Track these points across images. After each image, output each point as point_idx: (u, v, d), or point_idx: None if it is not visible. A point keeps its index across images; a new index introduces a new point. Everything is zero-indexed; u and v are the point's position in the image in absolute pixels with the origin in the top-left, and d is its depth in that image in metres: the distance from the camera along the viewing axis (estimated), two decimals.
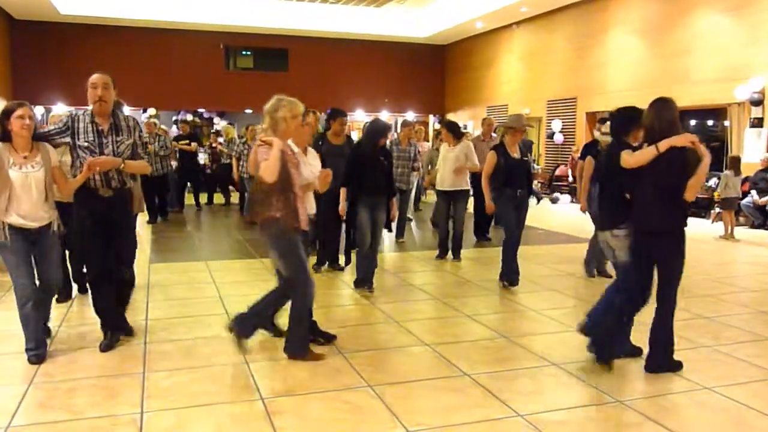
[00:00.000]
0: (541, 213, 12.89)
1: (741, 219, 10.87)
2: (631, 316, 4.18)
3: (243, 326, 4.32)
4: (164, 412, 3.43)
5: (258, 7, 17.79)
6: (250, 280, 6.66)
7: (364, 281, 6.14)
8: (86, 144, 4.22)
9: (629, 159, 3.97)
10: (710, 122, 14.27)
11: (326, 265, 7.14)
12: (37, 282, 4.23)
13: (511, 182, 6.34)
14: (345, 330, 4.99)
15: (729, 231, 9.66)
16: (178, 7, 17.46)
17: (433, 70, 21.49)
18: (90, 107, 4.28)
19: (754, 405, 3.59)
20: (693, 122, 14.79)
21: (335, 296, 6.19)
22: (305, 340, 4.30)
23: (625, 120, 4.32)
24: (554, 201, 14.96)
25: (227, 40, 19.48)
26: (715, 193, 10.65)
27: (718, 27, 11.83)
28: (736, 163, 9.91)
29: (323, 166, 6.76)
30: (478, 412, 3.49)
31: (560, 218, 12.20)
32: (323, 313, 5.41)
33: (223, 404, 3.55)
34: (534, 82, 17.18)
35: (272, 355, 4.35)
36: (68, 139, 4.24)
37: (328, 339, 4.62)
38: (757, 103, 11.02)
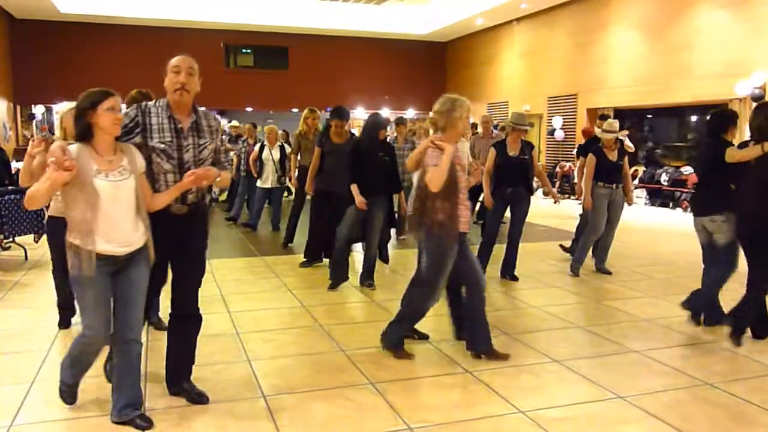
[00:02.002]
0: (542, 210, 12.88)
1: None
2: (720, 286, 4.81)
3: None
4: (166, 410, 3.44)
5: (258, 5, 17.77)
6: (252, 278, 6.67)
7: (338, 282, 6.14)
8: (163, 146, 3.27)
9: (735, 154, 4.54)
10: None
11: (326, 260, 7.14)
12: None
13: (503, 180, 6.38)
14: (346, 327, 5.00)
15: None
16: (178, 5, 17.45)
17: (434, 67, 21.47)
18: (163, 99, 3.45)
19: (756, 400, 3.59)
20: (694, 118, 14.77)
21: (337, 294, 6.19)
22: (402, 338, 4.31)
23: (723, 120, 4.84)
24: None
25: (227, 38, 19.47)
26: None
27: (719, 22, 11.81)
28: None
29: (324, 164, 6.82)
30: (479, 408, 3.49)
31: (561, 215, 12.19)
32: (325, 311, 5.42)
33: (225, 402, 3.56)
34: (534, 79, 17.16)
35: (274, 353, 4.36)
36: (138, 139, 3.25)
37: (423, 337, 4.63)
38: (759, 98, 10.99)
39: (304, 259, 7.18)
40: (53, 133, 19.59)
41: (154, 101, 3.45)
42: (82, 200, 2.92)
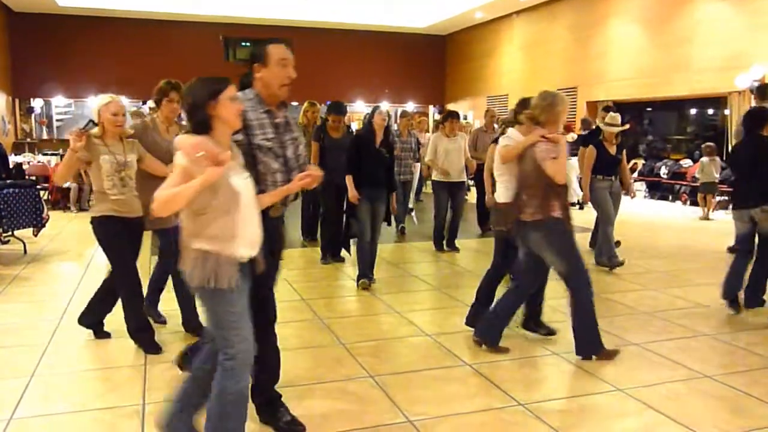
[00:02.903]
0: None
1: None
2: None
3: (488, 334, 4.27)
4: (166, 404, 3.44)
5: None
6: None
7: (365, 274, 6.13)
8: (269, 143, 2.98)
9: None
10: (711, 111, 14.24)
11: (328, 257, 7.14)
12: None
13: None
14: (346, 321, 5.01)
15: (705, 213, 10.85)
16: None
17: (434, 61, 21.40)
18: (249, 91, 3.08)
19: (754, 393, 3.60)
20: (693, 111, 14.76)
21: (337, 287, 6.20)
22: (595, 335, 4.17)
23: (757, 118, 5.18)
24: None
25: (226, 31, 19.38)
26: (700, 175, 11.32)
27: (719, 15, 11.77)
28: (711, 151, 10.79)
29: (323, 159, 6.81)
30: (479, 401, 3.50)
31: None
32: (325, 304, 5.42)
33: None
34: (534, 72, 17.12)
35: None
36: (240, 137, 2.93)
37: (550, 333, 4.61)
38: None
39: (322, 258, 7.11)
40: (49, 127, 19.57)
41: (245, 95, 3.09)
42: (218, 201, 2.53)
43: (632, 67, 13.73)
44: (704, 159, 10.89)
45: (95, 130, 4.12)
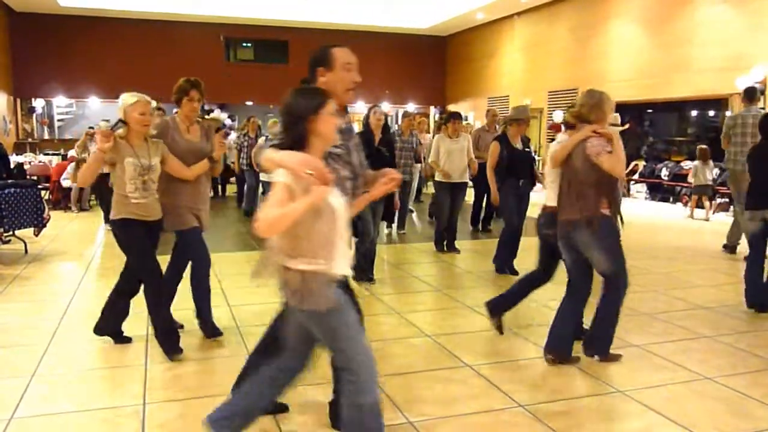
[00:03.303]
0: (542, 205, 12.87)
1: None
2: None
3: (559, 348, 4.13)
4: (166, 404, 3.44)
5: None
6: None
7: (364, 272, 6.15)
8: (339, 150, 2.80)
9: None
10: (711, 112, 14.23)
11: None
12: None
13: (513, 173, 6.36)
14: None
15: (691, 213, 11.26)
16: None
17: (434, 62, 21.42)
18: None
19: (755, 395, 3.60)
20: (694, 112, 14.75)
21: None
22: (610, 337, 4.13)
23: None
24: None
25: (227, 32, 19.42)
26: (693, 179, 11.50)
27: (720, 17, 11.77)
28: (704, 154, 10.87)
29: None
30: (479, 402, 3.50)
31: None
32: None
33: (224, 396, 3.55)
34: (535, 73, 17.12)
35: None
36: None
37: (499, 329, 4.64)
38: (760, 93, 10.96)
39: None
40: (48, 125, 19.55)
41: None
42: (317, 220, 2.42)
43: (633, 68, 13.74)
44: (697, 163, 11.05)
45: (121, 131, 4.04)
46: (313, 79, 2.90)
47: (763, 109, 7.95)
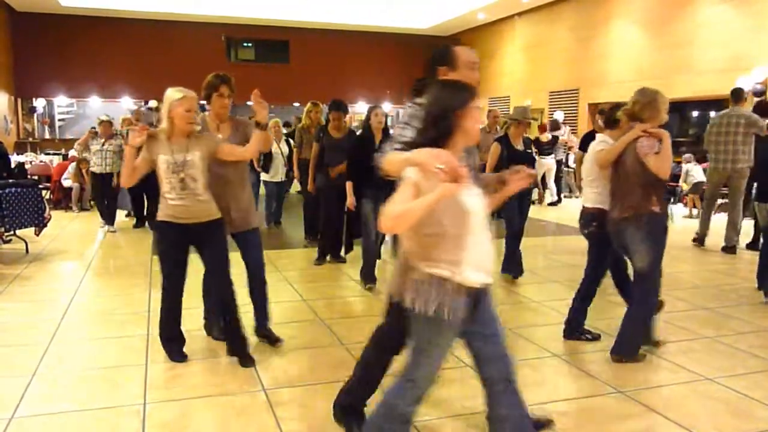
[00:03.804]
0: (543, 205, 12.88)
1: None
2: None
3: (625, 349, 4.14)
4: (167, 404, 3.44)
5: None
6: None
7: (370, 274, 6.13)
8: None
9: None
10: (712, 113, 14.21)
11: (328, 257, 7.14)
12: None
13: None
14: (347, 321, 5.01)
15: (689, 213, 11.54)
16: None
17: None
18: None
19: (755, 395, 3.60)
20: (695, 113, 14.74)
21: (338, 288, 6.20)
22: (639, 339, 4.14)
23: None
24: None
25: (228, 32, 19.43)
26: (684, 184, 12.06)
27: (721, 17, 11.77)
28: (694, 158, 11.54)
29: (323, 159, 6.82)
30: (480, 402, 3.48)
31: (561, 209, 12.19)
32: (325, 305, 5.42)
33: (225, 396, 3.56)
34: (536, 74, 17.12)
35: (274, 347, 4.36)
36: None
37: (595, 338, 4.58)
38: (760, 93, 10.97)
39: (317, 259, 7.07)
40: (52, 127, 19.57)
41: (422, 99, 2.77)
42: (448, 221, 2.32)
43: (634, 69, 13.73)
44: (689, 165, 11.51)
45: (162, 126, 3.78)
46: (434, 78, 2.82)
47: (747, 110, 8.18)
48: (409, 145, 2.41)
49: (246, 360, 4.00)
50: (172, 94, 3.76)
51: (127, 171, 3.78)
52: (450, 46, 2.88)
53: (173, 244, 3.87)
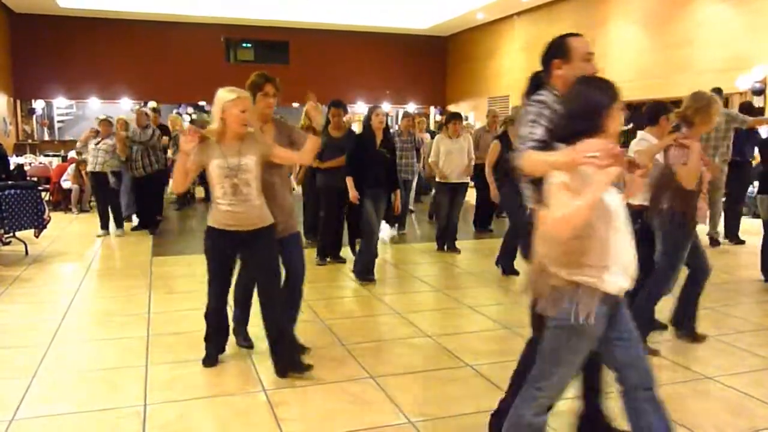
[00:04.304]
0: None
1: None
2: None
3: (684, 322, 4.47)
4: (167, 404, 3.44)
5: None
6: None
7: (366, 272, 6.15)
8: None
9: None
10: None
11: (328, 257, 7.14)
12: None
13: (515, 172, 6.35)
14: (347, 321, 5.01)
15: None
16: None
17: (435, 62, 21.41)
18: (549, 93, 2.68)
19: (756, 394, 3.60)
20: None
21: (337, 288, 6.20)
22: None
23: None
24: None
25: (227, 33, 19.42)
26: None
27: (720, 17, 11.77)
28: None
29: (322, 158, 6.81)
30: (480, 402, 3.49)
31: None
32: (325, 305, 5.42)
33: (225, 396, 3.56)
34: None
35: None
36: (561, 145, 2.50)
37: (663, 327, 4.66)
38: (759, 92, 10.97)
39: (319, 259, 7.06)
40: (52, 128, 19.55)
41: (539, 94, 2.70)
42: (594, 220, 2.18)
43: (633, 69, 13.73)
44: None
45: (213, 127, 3.62)
46: (548, 71, 2.74)
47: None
48: (544, 144, 2.35)
49: (303, 368, 3.84)
50: (225, 94, 3.60)
51: (180, 176, 3.63)
52: (565, 37, 2.73)
53: (222, 250, 3.72)
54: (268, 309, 3.78)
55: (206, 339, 4.04)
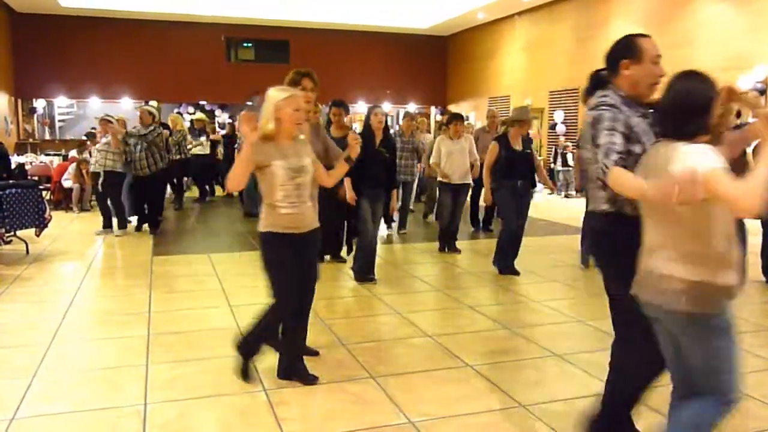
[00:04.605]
0: (543, 204, 12.87)
1: None
2: None
3: None
4: (168, 404, 3.45)
5: None
6: (253, 273, 6.65)
7: (365, 271, 6.16)
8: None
9: None
10: None
11: (327, 257, 7.14)
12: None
13: (510, 174, 6.37)
14: (347, 321, 5.01)
15: None
16: None
17: (435, 61, 21.41)
18: (615, 94, 2.65)
19: (756, 394, 3.60)
20: None
21: (338, 288, 6.20)
22: None
23: None
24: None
25: (228, 32, 19.43)
26: None
27: (721, 17, 11.77)
28: None
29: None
30: (480, 402, 3.50)
31: (561, 209, 12.20)
32: (325, 305, 5.42)
33: (226, 396, 3.56)
34: (536, 73, 17.11)
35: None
36: (638, 149, 2.52)
37: None
38: (761, 92, 10.97)
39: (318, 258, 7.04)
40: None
41: (609, 95, 2.65)
42: (716, 210, 2.16)
43: None
44: None
45: (269, 127, 3.45)
46: (615, 71, 2.70)
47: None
48: (627, 154, 2.36)
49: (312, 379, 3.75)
50: (278, 93, 3.48)
51: (244, 170, 3.41)
52: (635, 36, 2.69)
53: (288, 255, 3.53)
54: (306, 314, 3.83)
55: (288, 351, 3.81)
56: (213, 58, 19.04)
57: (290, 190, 3.44)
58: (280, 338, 3.77)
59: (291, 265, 3.51)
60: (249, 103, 4.05)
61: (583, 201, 7.06)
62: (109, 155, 8.72)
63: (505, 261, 6.55)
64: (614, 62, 2.70)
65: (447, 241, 7.80)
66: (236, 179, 3.41)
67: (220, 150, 13.87)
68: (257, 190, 3.58)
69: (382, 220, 7.02)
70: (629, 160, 2.44)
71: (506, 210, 6.55)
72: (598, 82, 2.76)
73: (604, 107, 2.57)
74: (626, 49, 2.67)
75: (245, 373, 3.64)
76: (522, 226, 6.57)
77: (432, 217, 10.32)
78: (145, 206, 9.30)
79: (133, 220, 9.37)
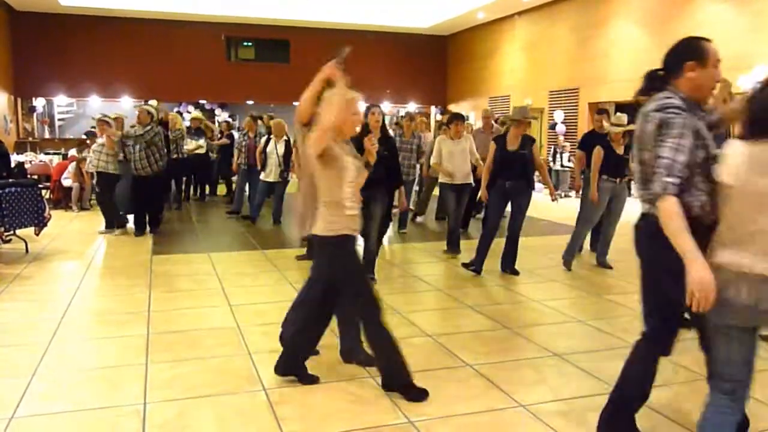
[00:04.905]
0: (543, 204, 12.86)
1: None
2: None
3: None
4: (167, 403, 3.44)
5: None
6: (253, 272, 6.66)
7: (370, 270, 6.14)
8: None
9: None
10: None
11: None
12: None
13: (502, 174, 6.38)
14: None
15: None
16: None
17: (435, 61, 21.41)
18: (677, 96, 2.60)
19: (756, 395, 3.59)
20: None
21: None
22: None
23: None
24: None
25: (228, 31, 19.42)
26: None
27: (721, 16, 11.77)
28: None
29: None
30: (480, 402, 3.50)
31: (562, 209, 12.18)
32: None
33: (225, 395, 3.56)
34: (536, 73, 17.11)
35: (275, 347, 4.35)
36: (702, 153, 2.53)
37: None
38: None
39: (306, 254, 7.07)
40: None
41: (668, 97, 2.60)
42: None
43: (634, 68, 13.69)
44: None
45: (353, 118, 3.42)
46: (677, 72, 2.64)
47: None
48: (688, 175, 2.39)
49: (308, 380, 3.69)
50: (348, 91, 3.45)
51: (311, 97, 3.51)
52: (699, 39, 2.65)
53: (359, 259, 3.42)
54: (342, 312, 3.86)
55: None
56: (213, 58, 19.03)
57: (353, 189, 3.37)
58: (299, 336, 3.77)
59: (363, 269, 3.41)
60: (337, 57, 3.99)
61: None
62: (102, 156, 8.71)
63: (480, 258, 6.52)
64: (678, 63, 2.64)
65: (452, 242, 7.74)
66: (304, 104, 3.48)
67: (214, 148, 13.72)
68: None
69: (396, 221, 6.96)
70: (693, 168, 2.45)
71: (489, 209, 6.69)
72: (653, 83, 2.72)
73: (673, 110, 2.51)
74: (692, 51, 2.63)
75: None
76: (519, 226, 6.56)
77: (420, 218, 10.34)
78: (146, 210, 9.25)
79: (130, 219, 9.35)
